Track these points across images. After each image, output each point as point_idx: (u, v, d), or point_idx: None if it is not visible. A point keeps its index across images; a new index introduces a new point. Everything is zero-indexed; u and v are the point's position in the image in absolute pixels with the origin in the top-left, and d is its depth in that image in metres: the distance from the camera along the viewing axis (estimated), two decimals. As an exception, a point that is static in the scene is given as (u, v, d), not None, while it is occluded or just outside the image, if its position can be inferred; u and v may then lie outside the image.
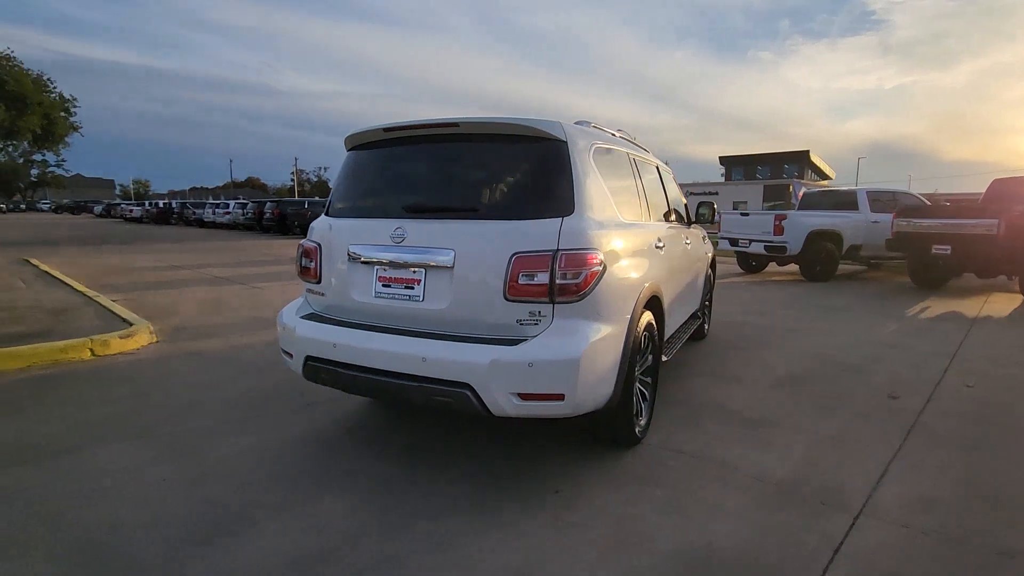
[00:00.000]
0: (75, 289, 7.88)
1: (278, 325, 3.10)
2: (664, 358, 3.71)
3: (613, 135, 3.57)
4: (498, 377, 2.38)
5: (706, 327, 5.79)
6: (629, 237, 3.00)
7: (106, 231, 26.22)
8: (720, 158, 58.71)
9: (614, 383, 2.70)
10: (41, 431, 3.30)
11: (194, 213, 32.16)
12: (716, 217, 5.38)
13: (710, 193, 44.81)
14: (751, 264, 12.58)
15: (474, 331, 2.56)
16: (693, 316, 5.10)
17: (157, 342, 5.39)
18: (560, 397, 2.41)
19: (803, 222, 10.64)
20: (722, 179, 57.37)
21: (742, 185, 50.21)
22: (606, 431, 2.99)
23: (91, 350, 4.81)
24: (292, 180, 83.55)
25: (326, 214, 3.15)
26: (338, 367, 2.69)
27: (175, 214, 34.39)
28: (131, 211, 38.46)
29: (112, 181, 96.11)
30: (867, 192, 11.59)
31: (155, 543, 2.23)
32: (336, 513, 2.46)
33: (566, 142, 2.68)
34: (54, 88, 19.84)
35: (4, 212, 61.58)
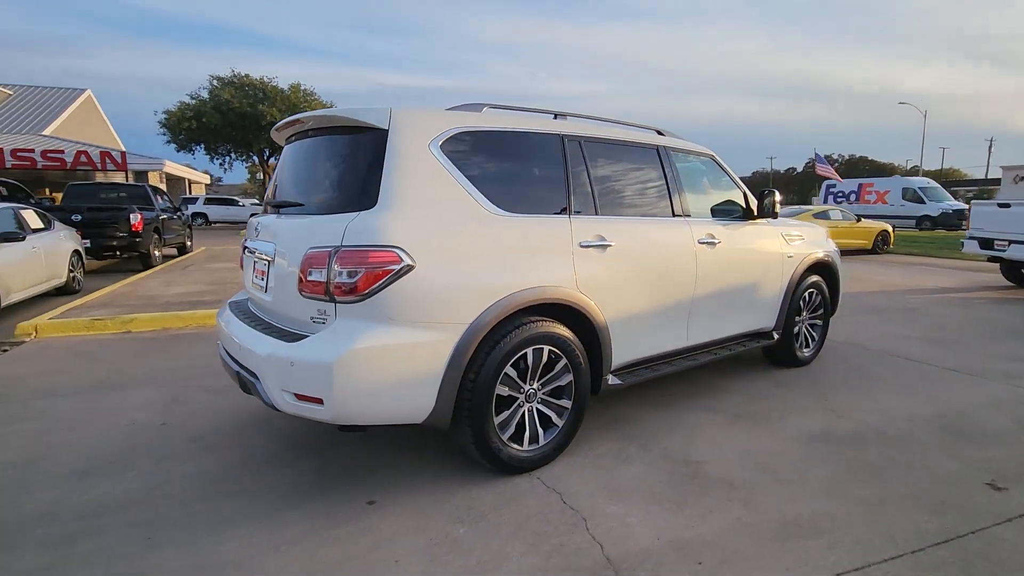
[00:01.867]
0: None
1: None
2: (617, 381, 3.11)
3: (538, 115, 3.08)
4: (271, 372, 2.36)
5: (803, 351, 4.54)
6: (492, 234, 2.60)
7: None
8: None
9: (435, 396, 2.42)
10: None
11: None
12: (777, 208, 4.11)
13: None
14: (1021, 274, 9.26)
15: (289, 325, 2.56)
16: (752, 335, 4.09)
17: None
18: (320, 401, 2.26)
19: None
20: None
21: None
22: (468, 447, 2.66)
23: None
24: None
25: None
26: (227, 357, 2.92)
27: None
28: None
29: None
30: None
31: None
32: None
33: (387, 131, 2.46)
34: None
35: None
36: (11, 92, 29.93)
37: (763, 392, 3.98)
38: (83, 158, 24.00)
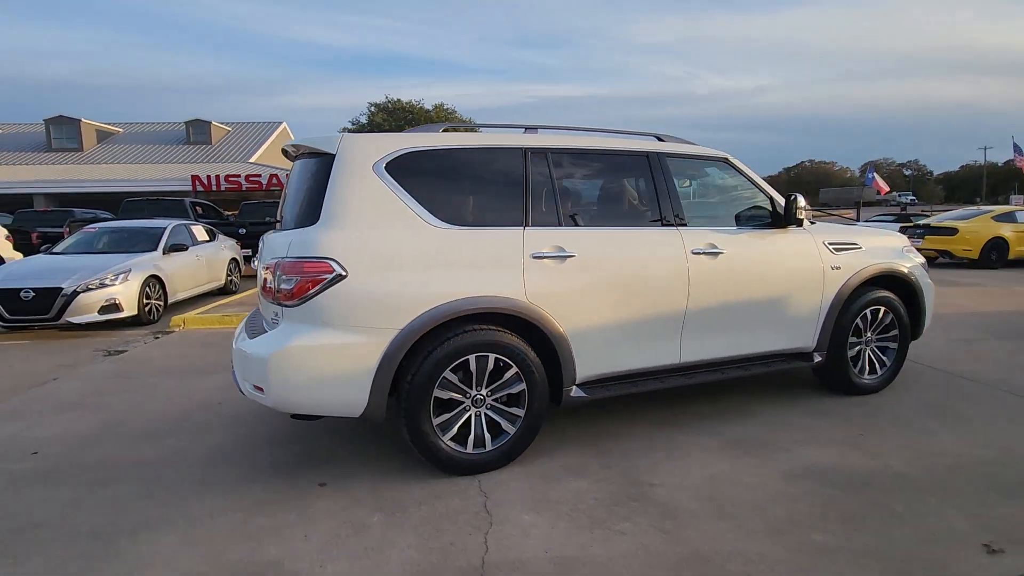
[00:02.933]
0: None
1: None
2: (581, 393, 3.09)
3: (500, 131, 3.18)
4: (237, 364, 2.80)
5: (863, 377, 3.95)
6: (422, 246, 2.76)
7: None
8: None
9: (368, 394, 2.66)
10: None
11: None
12: (801, 215, 3.55)
13: None
14: None
15: (263, 327, 2.98)
16: (784, 355, 3.70)
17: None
18: (262, 390, 2.63)
19: None
20: None
21: None
22: (409, 444, 2.85)
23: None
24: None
25: None
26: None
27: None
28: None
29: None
30: None
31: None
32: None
33: (334, 155, 2.77)
34: (476, 129, 26.62)
35: None
36: (229, 128, 36.60)
37: (789, 419, 3.57)
38: (275, 180, 28.48)
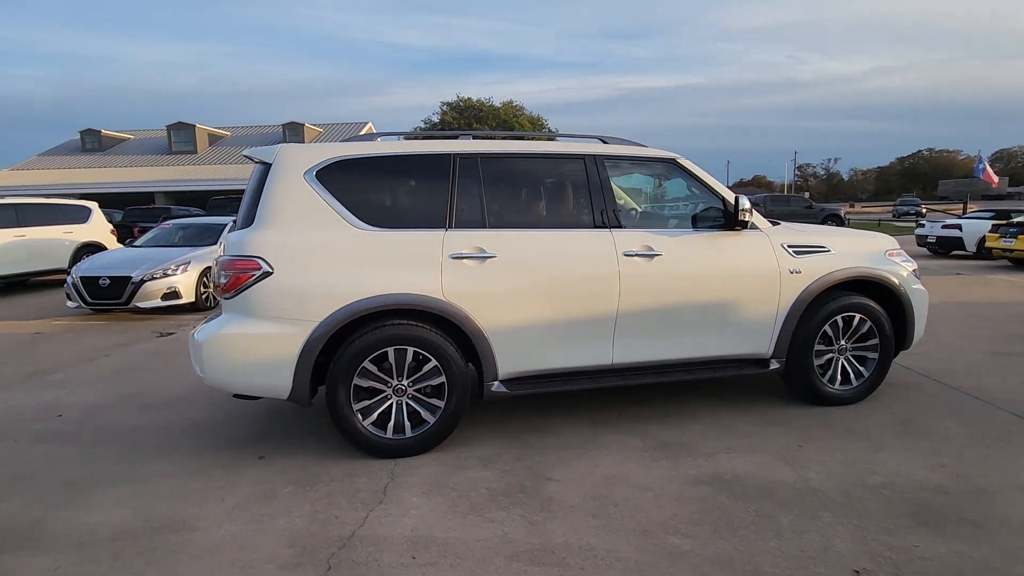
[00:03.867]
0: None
1: None
2: (503, 389, 3.23)
3: (427, 138, 3.35)
4: (190, 348, 3.20)
5: (834, 387, 3.76)
6: (346, 246, 3.02)
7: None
8: None
9: (291, 379, 2.98)
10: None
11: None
12: (746, 217, 3.37)
13: None
14: None
15: (219, 317, 3.38)
16: (738, 360, 3.61)
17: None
18: (201, 372, 3.01)
19: None
20: None
21: None
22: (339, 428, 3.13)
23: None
24: (794, 175, 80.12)
25: None
26: None
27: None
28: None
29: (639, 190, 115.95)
30: None
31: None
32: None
33: (271, 164, 3.09)
34: (545, 126, 26.85)
35: None
36: (321, 130, 39.13)
37: (733, 426, 3.49)
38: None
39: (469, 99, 25.44)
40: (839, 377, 3.80)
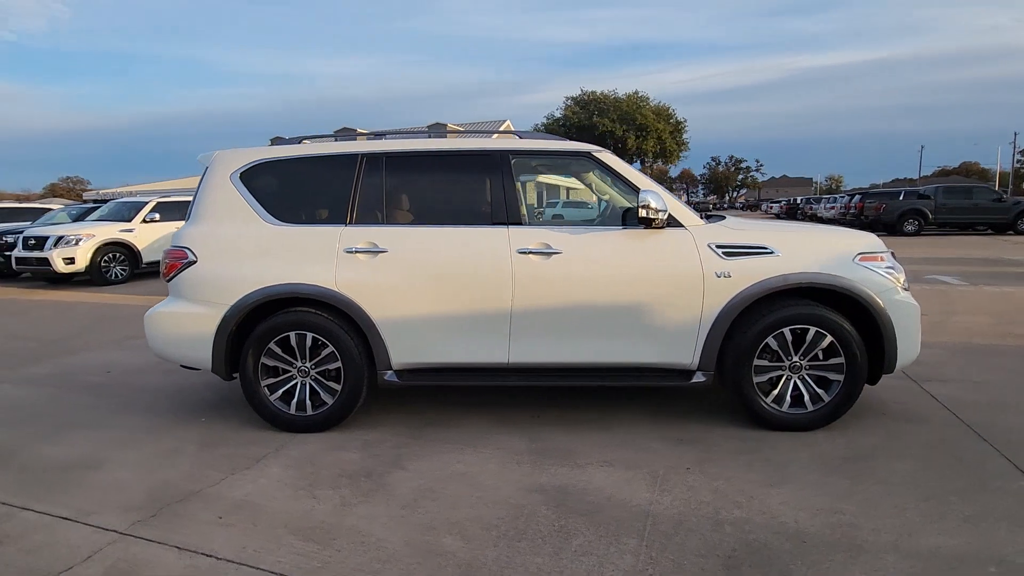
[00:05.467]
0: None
1: None
2: (394, 379, 3.39)
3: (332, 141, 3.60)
4: None
5: (782, 408, 3.29)
6: (256, 240, 3.36)
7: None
8: None
9: (210, 353, 3.42)
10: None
11: (811, 208, 32.56)
12: (650, 215, 2.94)
13: None
14: None
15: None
16: (659, 370, 3.35)
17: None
18: (148, 343, 3.58)
19: None
20: None
21: None
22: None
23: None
24: (1015, 161, 66.15)
25: None
26: None
27: (800, 209, 35.68)
28: (770, 207, 42.47)
29: (810, 180, 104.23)
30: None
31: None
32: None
33: (208, 168, 3.55)
34: (673, 115, 25.45)
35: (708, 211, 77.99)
36: (462, 129, 41.40)
37: (638, 440, 3.25)
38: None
39: (593, 92, 25.15)
40: (788, 399, 3.31)
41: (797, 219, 35.97)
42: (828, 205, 28.67)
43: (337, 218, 3.42)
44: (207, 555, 2.26)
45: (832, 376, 3.28)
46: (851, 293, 3.18)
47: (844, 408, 3.29)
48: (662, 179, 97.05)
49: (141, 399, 4.20)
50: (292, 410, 3.44)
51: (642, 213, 3.13)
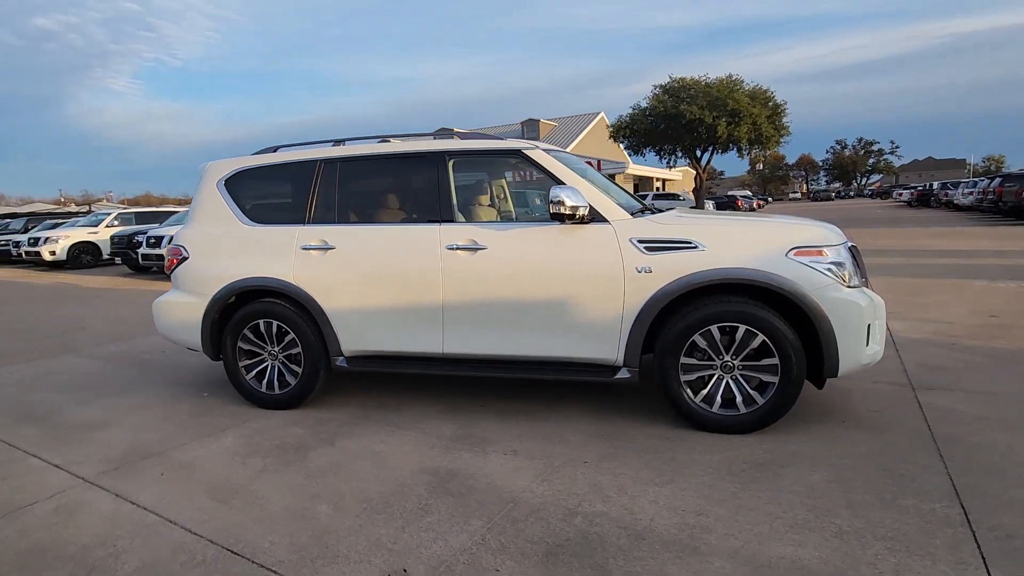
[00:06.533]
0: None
1: None
2: (343, 364, 3.72)
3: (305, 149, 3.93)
4: None
5: (711, 408, 3.18)
6: (234, 239, 3.83)
7: (866, 215, 28.08)
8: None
9: (199, 337, 3.98)
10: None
11: (946, 194, 28.73)
12: (560, 210, 2.82)
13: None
14: None
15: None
16: (585, 365, 3.39)
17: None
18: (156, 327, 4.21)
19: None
20: None
21: None
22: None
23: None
24: None
25: None
26: None
27: (934, 196, 31.55)
28: (900, 194, 37.84)
29: (964, 161, 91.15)
30: None
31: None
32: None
33: (202, 176, 4.08)
34: (771, 97, 23.46)
35: (829, 199, 70.80)
36: (556, 124, 41.41)
37: (561, 433, 3.30)
38: (575, 168, 31.29)
39: (682, 79, 24.03)
40: (719, 399, 3.18)
41: (931, 207, 31.85)
42: (966, 190, 25.15)
43: (297, 219, 3.81)
44: (132, 503, 2.71)
45: (766, 378, 3.10)
46: (779, 290, 2.99)
47: (779, 412, 3.11)
48: (778, 166, 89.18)
49: (172, 374, 4.91)
50: (263, 389, 3.90)
51: (553, 210, 3.17)
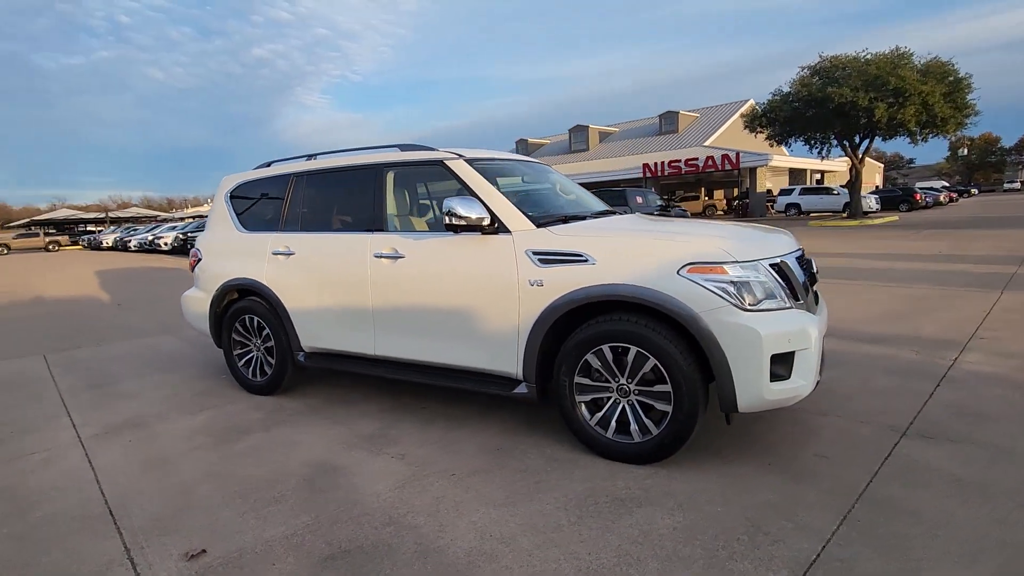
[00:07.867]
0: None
1: None
2: (302, 359, 4.11)
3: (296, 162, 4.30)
4: None
5: (604, 432, 2.98)
6: (230, 244, 4.40)
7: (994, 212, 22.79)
8: None
9: (208, 327, 4.65)
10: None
11: None
12: (453, 221, 2.61)
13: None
14: None
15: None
16: (491, 376, 3.38)
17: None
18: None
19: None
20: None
21: None
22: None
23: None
24: None
25: None
26: None
27: None
28: None
29: None
30: None
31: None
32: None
33: (217, 189, 4.73)
34: (951, 71, 19.39)
35: (971, 195, 56.81)
36: (697, 115, 39.10)
37: (455, 445, 3.32)
38: (710, 161, 29.42)
39: (835, 57, 21.13)
40: (614, 424, 2.96)
41: None
42: None
43: (273, 226, 4.26)
44: (91, 461, 3.33)
45: (660, 406, 2.82)
46: (664, 309, 2.70)
47: (675, 445, 2.81)
48: (990, 150, 73.37)
49: (215, 358, 5.75)
50: (250, 376, 4.44)
51: (446, 220, 3.18)
